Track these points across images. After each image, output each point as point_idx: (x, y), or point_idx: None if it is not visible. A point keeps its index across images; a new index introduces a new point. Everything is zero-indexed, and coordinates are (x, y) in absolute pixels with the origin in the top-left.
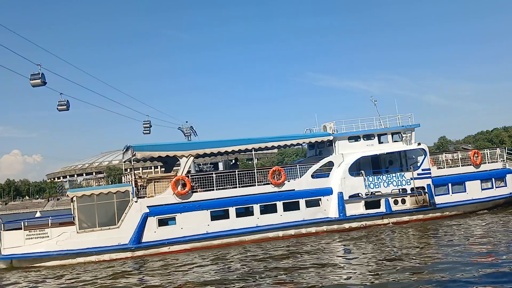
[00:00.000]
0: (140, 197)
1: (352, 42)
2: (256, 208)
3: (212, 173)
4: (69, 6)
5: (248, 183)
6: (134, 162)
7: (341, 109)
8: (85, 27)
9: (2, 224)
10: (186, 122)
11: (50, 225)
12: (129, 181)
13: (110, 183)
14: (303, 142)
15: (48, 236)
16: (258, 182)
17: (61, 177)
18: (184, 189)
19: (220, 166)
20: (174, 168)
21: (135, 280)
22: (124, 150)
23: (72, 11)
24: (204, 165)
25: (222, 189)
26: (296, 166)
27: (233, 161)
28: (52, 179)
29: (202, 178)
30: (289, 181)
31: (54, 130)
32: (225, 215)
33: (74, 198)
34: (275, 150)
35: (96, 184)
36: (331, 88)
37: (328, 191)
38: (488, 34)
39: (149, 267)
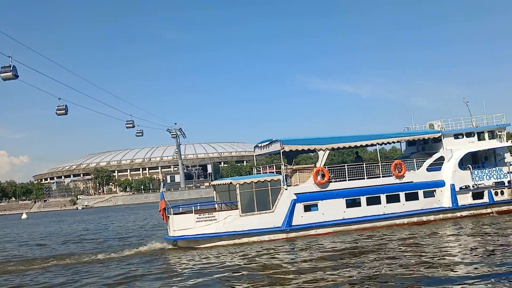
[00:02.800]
0: (289, 185)
1: (342, 45)
2: (383, 197)
3: (344, 165)
4: (67, 6)
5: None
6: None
7: (331, 110)
8: (80, 28)
9: (171, 209)
10: (175, 124)
11: (217, 209)
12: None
13: (98, 184)
14: (413, 138)
15: (216, 219)
16: (382, 174)
17: (48, 179)
18: (324, 179)
19: (209, 168)
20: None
21: (292, 256)
22: (268, 143)
23: (68, 11)
24: (193, 167)
25: (354, 179)
26: (413, 160)
27: (356, 154)
28: (39, 180)
29: (335, 169)
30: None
31: (42, 131)
32: (357, 203)
33: (237, 186)
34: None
35: (84, 186)
36: (321, 91)
37: (441, 183)
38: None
39: (300, 246)
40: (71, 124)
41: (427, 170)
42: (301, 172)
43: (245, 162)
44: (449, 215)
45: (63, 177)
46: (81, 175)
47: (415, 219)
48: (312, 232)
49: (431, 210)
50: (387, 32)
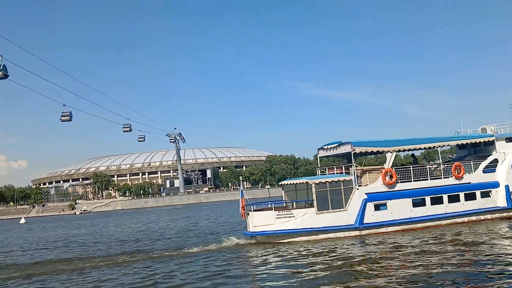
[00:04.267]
0: (360, 185)
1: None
2: (445, 197)
3: (410, 167)
4: (66, 8)
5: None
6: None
7: (325, 116)
8: (79, 31)
9: (251, 206)
10: (175, 128)
11: (294, 206)
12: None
13: (97, 189)
14: (472, 141)
15: (294, 216)
16: (444, 175)
17: (47, 183)
18: (392, 179)
19: (208, 173)
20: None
21: (366, 252)
22: (336, 145)
23: (68, 13)
24: (192, 171)
25: (418, 180)
26: (470, 162)
27: (412, 157)
28: (37, 185)
29: (400, 171)
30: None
31: (40, 136)
32: (422, 203)
33: (313, 185)
34: (263, 158)
35: (83, 190)
36: (316, 97)
37: (496, 184)
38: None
39: (373, 243)
40: (70, 129)
41: (483, 172)
42: (370, 172)
43: (244, 167)
44: (505, 214)
45: (61, 181)
46: (80, 179)
47: (473, 218)
48: (382, 230)
49: (487, 210)
50: (383, 39)
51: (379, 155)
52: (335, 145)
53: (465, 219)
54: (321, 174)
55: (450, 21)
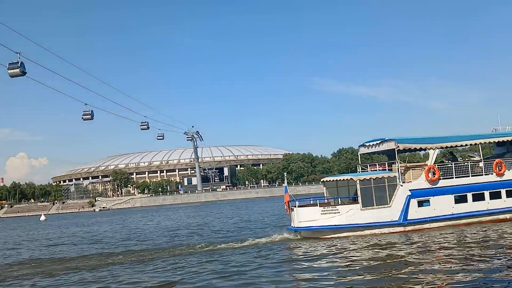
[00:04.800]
0: (403, 182)
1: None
2: (487, 194)
3: (452, 164)
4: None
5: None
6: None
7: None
8: (102, 33)
9: (296, 202)
10: (192, 127)
11: (340, 202)
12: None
13: (116, 186)
14: (509, 139)
15: (339, 212)
16: (485, 172)
17: (67, 181)
18: (434, 176)
19: (225, 171)
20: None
21: (408, 247)
22: (379, 142)
23: (89, 17)
24: (210, 169)
25: (460, 177)
26: (511, 159)
27: (451, 154)
28: (57, 182)
29: (442, 167)
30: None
31: (61, 134)
32: (464, 199)
33: (357, 181)
34: (281, 156)
35: (102, 187)
36: (338, 94)
37: None
38: None
39: (417, 239)
40: (90, 127)
41: None
42: (413, 169)
43: (261, 165)
44: None
45: (81, 179)
46: (100, 177)
47: None
48: (426, 226)
49: None
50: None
51: (417, 152)
52: (378, 142)
53: (507, 215)
54: (361, 171)
55: None
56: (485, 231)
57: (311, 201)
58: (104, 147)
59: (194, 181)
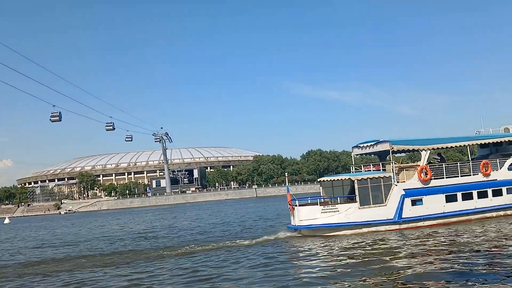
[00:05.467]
0: (398, 182)
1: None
2: (475, 193)
3: (442, 165)
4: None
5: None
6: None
7: (318, 117)
8: (69, 33)
9: (297, 201)
10: (161, 128)
11: (339, 201)
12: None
13: (82, 189)
14: (499, 140)
15: (338, 211)
16: (473, 173)
17: (32, 183)
18: (427, 176)
19: (195, 173)
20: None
21: (404, 244)
22: (374, 143)
23: (60, 16)
24: (179, 171)
25: (451, 177)
26: (496, 160)
27: (438, 155)
28: (22, 184)
29: (434, 168)
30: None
31: (26, 135)
32: (454, 198)
33: (355, 181)
34: (251, 158)
35: (68, 190)
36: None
37: None
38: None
39: (412, 236)
40: (57, 128)
41: (508, 169)
42: (406, 170)
43: (231, 167)
44: None
45: (47, 181)
46: (66, 179)
47: (501, 213)
48: (420, 224)
49: None
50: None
51: (408, 153)
52: (372, 143)
53: (493, 214)
54: (355, 171)
55: None
56: (473, 228)
57: (309, 200)
58: (70, 149)
59: (163, 183)
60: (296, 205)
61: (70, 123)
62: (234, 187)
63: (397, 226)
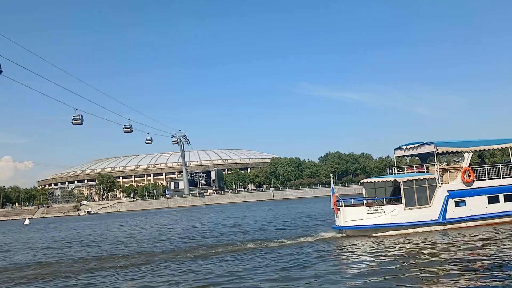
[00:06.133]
0: (442, 183)
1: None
2: None
3: (485, 166)
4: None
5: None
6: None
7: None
8: (88, 37)
9: (342, 202)
10: (179, 130)
11: (385, 203)
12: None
13: (102, 190)
14: None
15: (384, 212)
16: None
17: (52, 184)
18: (469, 178)
19: (213, 175)
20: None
21: (450, 246)
22: (418, 145)
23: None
24: (197, 173)
25: (493, 179)
26: None
27: (479, 158)
28: (43, 186)
29: (476, 169)
30: None
31: (47, 137)
32: (497, 200)
33: (401, 182)
34: (268, 160)
35: (88, 191)
36: (324, 98)
37: None
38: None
39: (455, 237)
40: (77, 130)
41: None
42: (450, 171)
43: (248, 169)
44: None
45: (67, 182)
46: (86, 181)
47: None
48: (463, 224)
49: None
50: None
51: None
52: (416, 145)
53: None
54: (397, 173)
55: None
56: None
57: (352, 202)
58: (90, 150)
59: (181, 185)
60: (341, 206)
61: (90, 125)
62: (251, 190)
63: (441, 227)
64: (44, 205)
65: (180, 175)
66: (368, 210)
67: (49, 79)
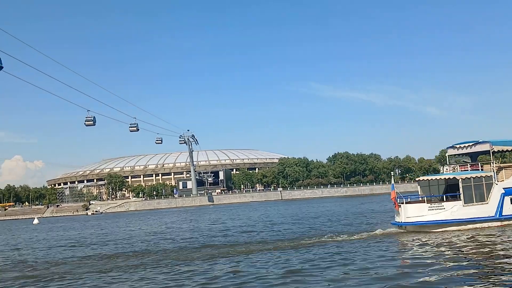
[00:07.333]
0: (498, 181)
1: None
2: None
3: None
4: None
5: None
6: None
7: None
8: (101, 40)
9: (403, 198)
10: (188, 130)
11: (445, 199)
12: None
13: (111, 190)
14: None
15: (444, 208)
16: None
17: (62, 184)
18: None
19: (221, 175)
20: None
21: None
22: (472, 144)
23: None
24: (205, 173)
25: None
26: None
27: None
28: (52, 185)
29: None
30: None
31: (56, 137)
32: None
33: (460, 180)
34: (276, 160)
35: (97, 191)
36: (333, 98)
37: None
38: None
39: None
40: (86, 130)
41: None
42: (506, 169)
43: (256, 169)
44: None
45: (76, 182)
46: (95, 180)
47: None
48: None
49: None
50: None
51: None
52: (470, 144)
53: None
54: (450, 171)
55: None
56: None
57: (409, 199)
58: (99, 150)
59: (189, 185)
60: (402, 203)
61: (99, 126)
62: (259, 190)
63: (498, 223)
64: (54, 204)
65: (188, 175)
66: (429, 207)
67: (62, 81)
